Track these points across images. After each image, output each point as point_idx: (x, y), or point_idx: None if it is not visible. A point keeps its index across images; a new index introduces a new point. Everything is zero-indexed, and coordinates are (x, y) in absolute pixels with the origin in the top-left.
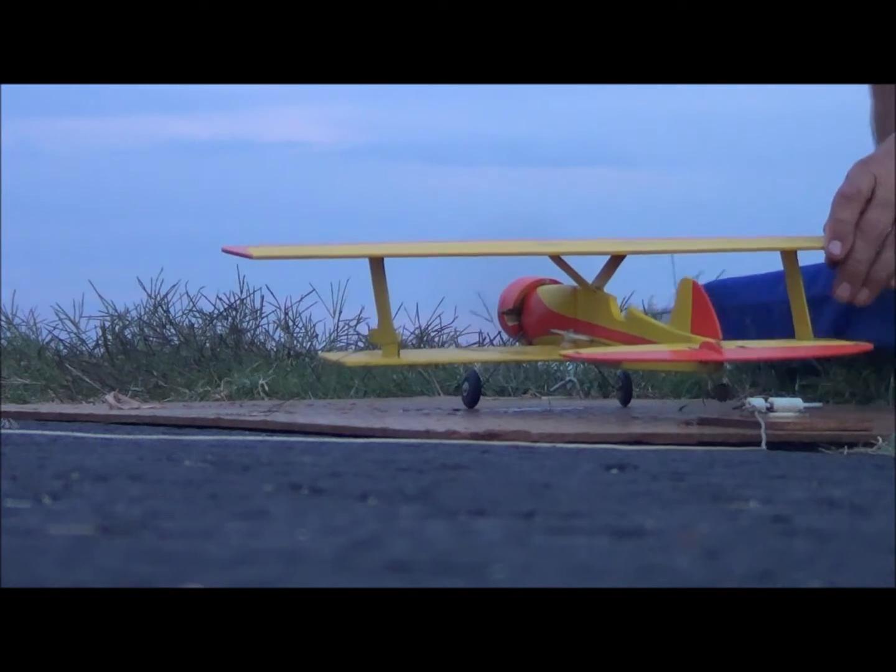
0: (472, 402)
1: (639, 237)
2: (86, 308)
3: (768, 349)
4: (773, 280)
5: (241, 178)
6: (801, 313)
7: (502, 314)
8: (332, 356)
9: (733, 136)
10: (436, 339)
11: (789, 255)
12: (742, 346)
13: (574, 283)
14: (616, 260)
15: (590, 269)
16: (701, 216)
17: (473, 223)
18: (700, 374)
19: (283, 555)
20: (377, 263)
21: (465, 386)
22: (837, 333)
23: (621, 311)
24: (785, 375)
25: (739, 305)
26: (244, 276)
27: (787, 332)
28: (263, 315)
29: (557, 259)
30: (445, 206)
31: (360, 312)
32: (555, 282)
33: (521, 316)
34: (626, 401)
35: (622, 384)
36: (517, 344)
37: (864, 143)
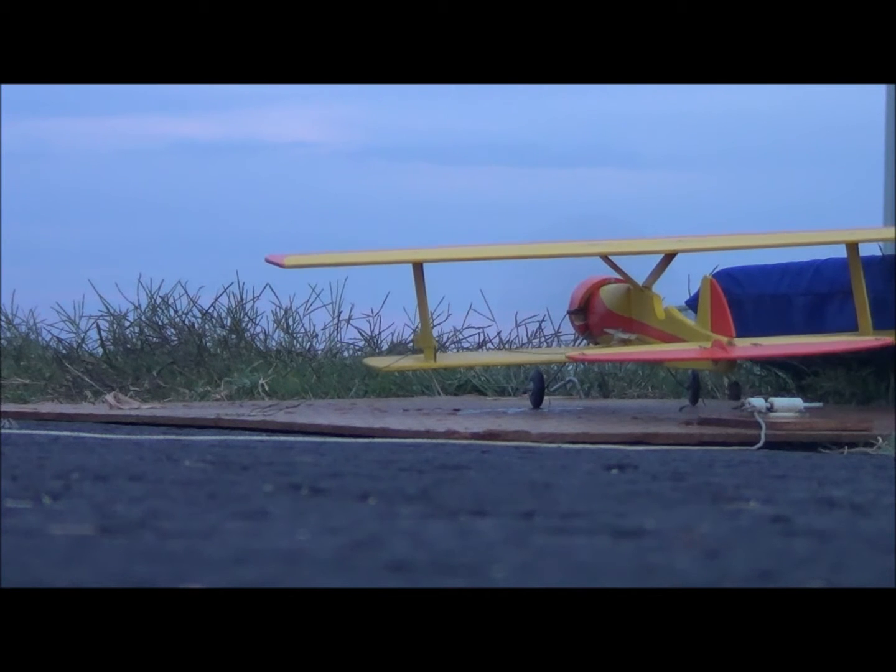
0: (537, 401)
1: (688, 235)
2: (86, 308)
3: (781, 346)
4: (792, 271)
5: (248, 178)
6: (863, 305)
7: (570, 313)
8: (377, 361)
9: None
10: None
11: (852, 248)
12: (755, 344)
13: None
14: (667, 258)
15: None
16: (705, 216)
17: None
18: (714, 371)
19: (283, 555)
20: (418, 269)
21: (531, 386)
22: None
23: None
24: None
25: (758, 295)
26: (245, 277)
27: (807, 325)
28: (263, 315)
29: (606, 259)
30: (448, 206)
31: (351, 309)
32: (620, 281)
33: (586, 315)
34: (695, 399)
35: (691, 383)
36: (584, 342)
37: (871, 144)
